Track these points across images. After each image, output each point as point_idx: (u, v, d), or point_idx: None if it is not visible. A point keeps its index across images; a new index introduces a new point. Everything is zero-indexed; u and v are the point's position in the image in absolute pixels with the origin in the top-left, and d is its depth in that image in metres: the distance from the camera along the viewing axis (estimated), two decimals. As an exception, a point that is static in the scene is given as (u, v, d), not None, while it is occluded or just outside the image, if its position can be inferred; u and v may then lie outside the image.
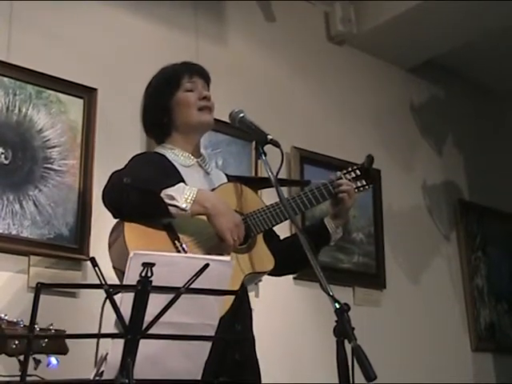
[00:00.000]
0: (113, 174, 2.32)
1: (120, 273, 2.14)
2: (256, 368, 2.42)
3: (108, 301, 1.64)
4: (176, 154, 2.49)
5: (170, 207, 2.19)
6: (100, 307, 1.79)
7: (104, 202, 2.28)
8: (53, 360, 1.93)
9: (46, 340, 1.91)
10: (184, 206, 2.19)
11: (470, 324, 4.74)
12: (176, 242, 2.25)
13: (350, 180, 2.57)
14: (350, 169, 2.60)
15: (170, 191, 2.20)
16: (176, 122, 2.52)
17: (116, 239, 2.25)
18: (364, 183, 2.60)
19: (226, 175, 2.65)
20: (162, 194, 2.19)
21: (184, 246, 2.26)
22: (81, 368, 2.01)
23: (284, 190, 3.59)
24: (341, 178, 2.55)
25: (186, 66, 2.59)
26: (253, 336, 2.44)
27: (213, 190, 2.44)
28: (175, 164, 2.46)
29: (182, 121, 2.51)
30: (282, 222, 2.44)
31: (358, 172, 2.60)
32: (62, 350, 1.96)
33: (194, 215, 2.23)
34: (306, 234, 2.10)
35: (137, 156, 2.55)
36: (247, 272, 2.34)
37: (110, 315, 1.70)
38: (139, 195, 2.20)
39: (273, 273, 2.55)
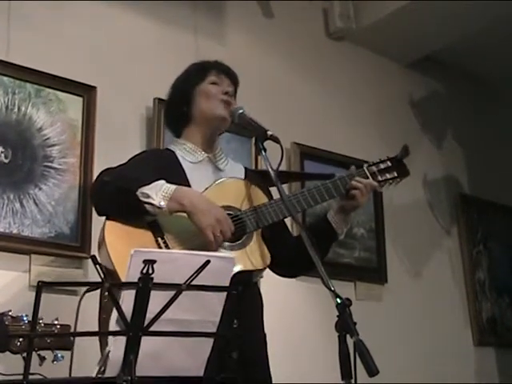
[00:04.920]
0: (102, 171, 2.35)
1: (106, 271, 2.12)
2: (265, 367, 2.38)
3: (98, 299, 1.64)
4: (186, 150, 2.49)
5: (146, 205, 2.19)
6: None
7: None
8: (59, 356, 1.94)
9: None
10: (160, 203, 2.18)
11: (472, 318, 4.74)
12: (159, 239, 2.25)
13: (374, 173, 2.52)
14: (379, 160, 2.55)
15: (145, 189, 2.20)
16: (194, 112, 2.51)
17: (100, 238, 2.26)
18: (395, 175, 2.54)
19: (246, 170, 2.61)
20: (138, 193, 2.19)
21: (168, 243, 2.24)
22: (83, 365, 2.01)
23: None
24: (363, 171, 2.50)
25: (215, 63, 2.61)
26: (264, 334, 2.42)
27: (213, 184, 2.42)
28: (181, 161, 2.46)
29: (200, 111, 2.50)
30: (280, 219, 2.40)
31: (388, 163, 2.54)
32: (67, 346, 1.97)
33: (171, 212, 2.22)
34: (306, 229, 2.10)
35: (143, 152, 2.59)
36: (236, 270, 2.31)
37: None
38: (115, 193, 2.22)
39: (286, 274, 2.58)
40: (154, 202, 2.18)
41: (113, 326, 1.83)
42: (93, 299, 2.17)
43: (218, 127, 2.55)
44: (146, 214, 2.23)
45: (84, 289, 1.95)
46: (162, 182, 2.23)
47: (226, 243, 2.29)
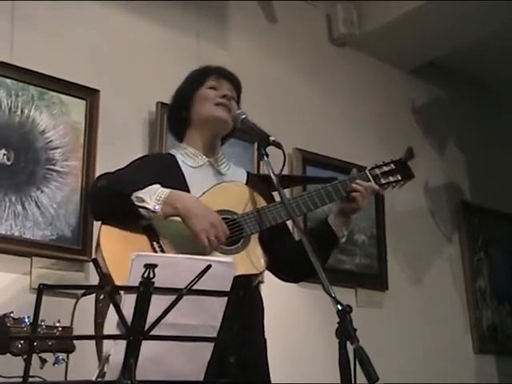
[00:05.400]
0: (99, 176, 2.35)
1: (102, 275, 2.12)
2: (265, 371, 2.36)
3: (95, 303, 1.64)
4: (187, 154, 2.48)
5: (140, 209, 2.19)
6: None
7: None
8: (60, 358, 1.94)
9: (53, 338, 1.91)
10: (155, 207, 2.18)
11: (473, 326, 4.74)
12: (154, 243, 2.24)
13: (377, 175, 2.51)
14: (382, 162, 2.53)
15: (140, 193, 2.19)
16: (193, 117, 2.51)
17: (96, 242, 2.26)
18: (399, 178, 2.53)
19: (249, 175, 2.60)
20: (133, 197, 2.19)
21: (163, 248, 2.23)
22: (82, 368, 2.01)
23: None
24: (365, 174, 2.49)
25: (217, 68, 2.60)
26: (264, 339, 2.40)
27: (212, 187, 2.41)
28: (182, 165, 2.45)
29: (198, 115, 2.50)
30: (277, 223, 2.37)
31: (392, 166, 2.53)
32: (69, 349, 1.96)
33: (166, 217, 2.21)
34: (307, 234, 2.09)
35: (144, 157, 2.59)
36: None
37: (113, 316, 1.70)
38: (110, 198, 2.22)
39: (289, 279, 2.57)
40: (149, 206, 2.18)
41: (109, 329, 1.83)
42: (93, 302, 2.17)
43: (217, 130, 2.53)
44: (140, 218, 2.22)
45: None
46: (157, 186, 2.23)
47: (224, 247, 2.27)
